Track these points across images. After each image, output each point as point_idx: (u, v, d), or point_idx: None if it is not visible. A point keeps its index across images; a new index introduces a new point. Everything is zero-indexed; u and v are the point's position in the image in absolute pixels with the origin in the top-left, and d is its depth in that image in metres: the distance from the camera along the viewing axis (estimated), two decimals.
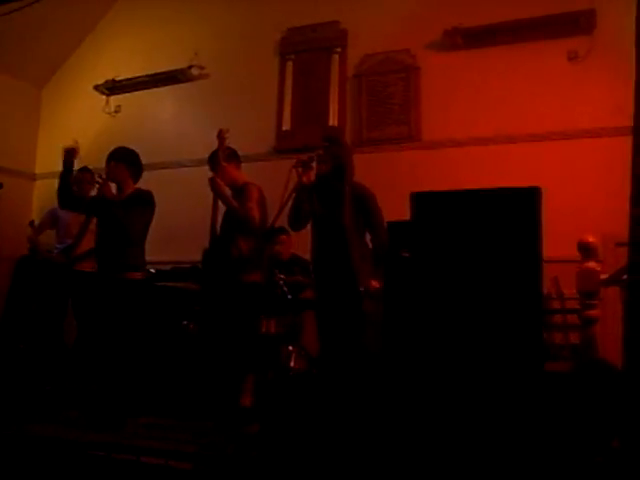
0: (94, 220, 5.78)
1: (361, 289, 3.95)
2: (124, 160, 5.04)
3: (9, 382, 5.22)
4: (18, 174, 8.38)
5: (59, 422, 4.24)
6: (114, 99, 8.28)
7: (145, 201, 4.97)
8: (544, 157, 5.88)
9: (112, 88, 8.17)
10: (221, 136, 4.52)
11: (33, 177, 8.72)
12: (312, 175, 4.20)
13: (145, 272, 5.14)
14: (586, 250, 4.40)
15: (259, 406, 4.16)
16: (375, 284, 3.99)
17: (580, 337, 4.39)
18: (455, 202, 3.28)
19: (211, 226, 4.64)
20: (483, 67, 6.33)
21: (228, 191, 4.63)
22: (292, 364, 5.04)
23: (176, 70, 7.71)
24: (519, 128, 6.07)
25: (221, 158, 4.54)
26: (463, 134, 6.28)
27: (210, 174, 4.62)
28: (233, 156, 4.72)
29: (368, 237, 4.32)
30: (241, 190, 4.65)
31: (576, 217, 5.40)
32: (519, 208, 3.05)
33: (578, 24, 5.91)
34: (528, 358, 2.90)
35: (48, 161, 8.55)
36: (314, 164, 4.14)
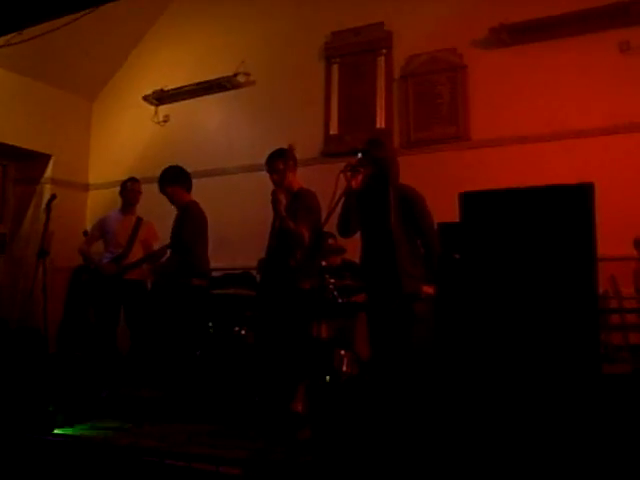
0: (143, 230, 5.88)
1: (407, 293, 3.90)
2: (177, 181, 5.34)
3: (65, 388, 5.32)
4: (71, 185, 8.59)
5: (114, 428, 4.30)
6: (162, 109, 8.40)
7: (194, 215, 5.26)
8: (596, 153, 5.73)
9: (160, 98, 8.30)
10: (290, 150, 4.61)
11: (86, 188, 8.88)
12: (361, 179, 4.17)
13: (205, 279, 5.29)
14: None
15: (311, 411, 4.15)
16: (427, 289, 3.92)
17: None
18: (505, 201, 3.22)
19: (270, 235, 4.66)
20: (531, 63, 6.21)
21: (284, 200, 4.65)
22: (344, 369, 5.01)
23: (222, 78, 7.77)
24: (570, 124, 5.93)
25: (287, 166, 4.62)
26: (512, 132, 6.16)
27: (264, 179, 4.68)
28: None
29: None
30: (296, 196, 4.67)
31: (631, 214, 5.23)
32: (572, 205, 2.97)
33: (629, 14, 5.75)
34: (584, 360, 2.83)
35: (100, 171, 8.75)
36: (362, 168, 4.10)
